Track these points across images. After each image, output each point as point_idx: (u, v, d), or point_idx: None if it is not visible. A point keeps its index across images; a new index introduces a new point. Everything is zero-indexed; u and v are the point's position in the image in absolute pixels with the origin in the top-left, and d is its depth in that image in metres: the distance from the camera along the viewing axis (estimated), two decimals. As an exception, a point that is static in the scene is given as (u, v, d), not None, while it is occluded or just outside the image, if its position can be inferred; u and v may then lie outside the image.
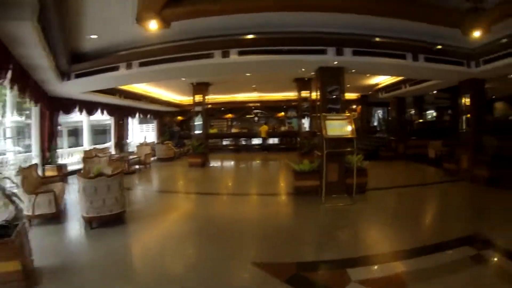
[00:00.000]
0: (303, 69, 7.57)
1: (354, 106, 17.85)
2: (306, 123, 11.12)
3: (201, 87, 11.17)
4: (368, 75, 10.99)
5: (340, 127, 5.94)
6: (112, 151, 12.63)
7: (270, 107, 18.02)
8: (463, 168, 8.33)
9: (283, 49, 6.17)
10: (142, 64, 6.89)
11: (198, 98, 11.22)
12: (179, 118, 18.97)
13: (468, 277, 2.99)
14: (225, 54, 6.29)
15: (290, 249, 3.82)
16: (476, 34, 5.26)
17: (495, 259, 3.49)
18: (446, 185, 7.97)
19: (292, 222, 5.09)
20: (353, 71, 7.19)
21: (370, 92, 15.01)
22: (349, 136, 5.93)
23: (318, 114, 6.53)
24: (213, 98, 15.20)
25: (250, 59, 6.32)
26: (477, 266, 3.26)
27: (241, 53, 6.25)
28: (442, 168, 9.42)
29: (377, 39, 6.15)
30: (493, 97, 14.60)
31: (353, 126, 5.97)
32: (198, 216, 5.51)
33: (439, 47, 6.58)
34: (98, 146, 12.81)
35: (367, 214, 5.47)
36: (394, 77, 11.37)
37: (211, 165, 11.91)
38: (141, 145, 12.66)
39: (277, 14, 4.90)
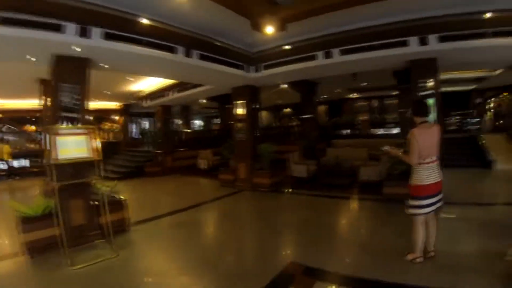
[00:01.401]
0: (33, 58, 4.87)
1: (117, 117, 16.01)
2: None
3: None
4: (131, 78, 9.04)
5: (77, 145, 4.10)
6: None
7: (16, 119, 13.42)
8: (241, 178, 7.95)
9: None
10: None
11: None
12: None
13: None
14: None
15: None
16: (269, 30, 4.92)
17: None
18: (228, 199, 7.16)
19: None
20: (106, 66, 5.51)
21: (134, 101, 12.89)
22: (91, 158, 4.13)
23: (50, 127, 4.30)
24: None
25: None
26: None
27: None
28: (217, 179, 8.72)
29: (144, 20, 4.65)
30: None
31: (98, 142, 4.27)
32: None
33: (218, 43, 5.87)
34: None
35: (138, 271, 3.53)
36: (161, 82, 9.83)
37: None
38: None
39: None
